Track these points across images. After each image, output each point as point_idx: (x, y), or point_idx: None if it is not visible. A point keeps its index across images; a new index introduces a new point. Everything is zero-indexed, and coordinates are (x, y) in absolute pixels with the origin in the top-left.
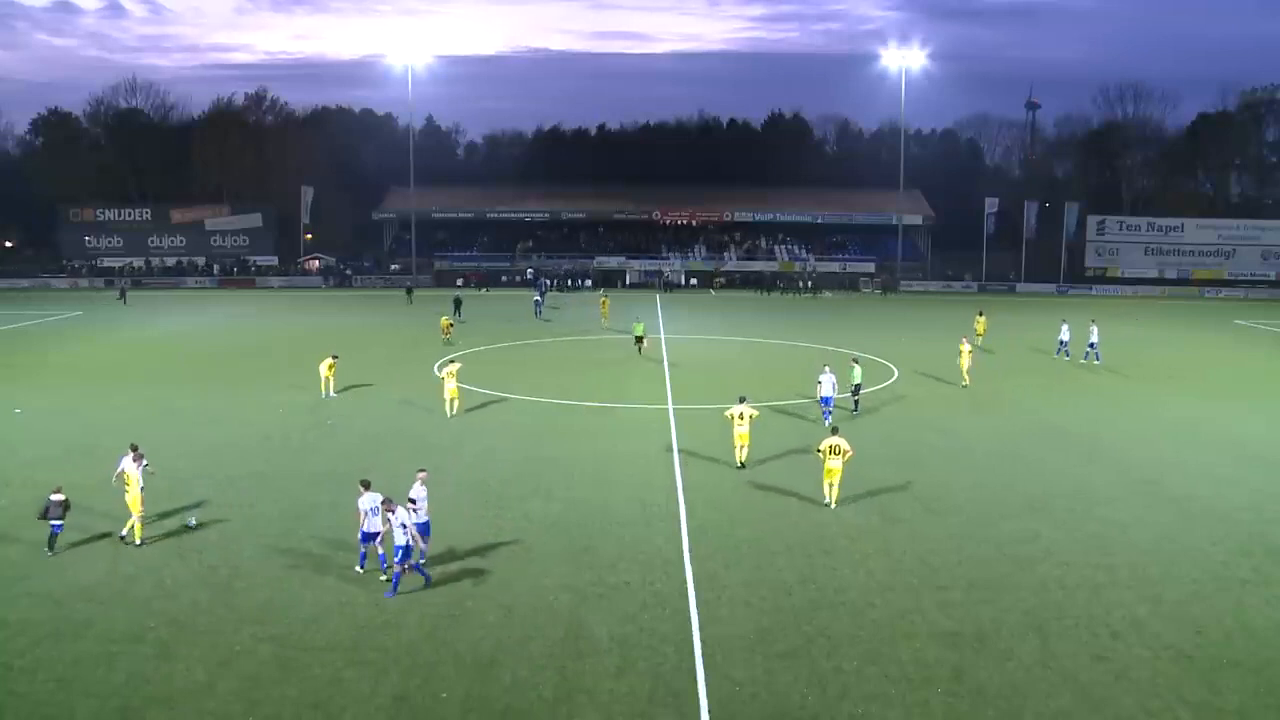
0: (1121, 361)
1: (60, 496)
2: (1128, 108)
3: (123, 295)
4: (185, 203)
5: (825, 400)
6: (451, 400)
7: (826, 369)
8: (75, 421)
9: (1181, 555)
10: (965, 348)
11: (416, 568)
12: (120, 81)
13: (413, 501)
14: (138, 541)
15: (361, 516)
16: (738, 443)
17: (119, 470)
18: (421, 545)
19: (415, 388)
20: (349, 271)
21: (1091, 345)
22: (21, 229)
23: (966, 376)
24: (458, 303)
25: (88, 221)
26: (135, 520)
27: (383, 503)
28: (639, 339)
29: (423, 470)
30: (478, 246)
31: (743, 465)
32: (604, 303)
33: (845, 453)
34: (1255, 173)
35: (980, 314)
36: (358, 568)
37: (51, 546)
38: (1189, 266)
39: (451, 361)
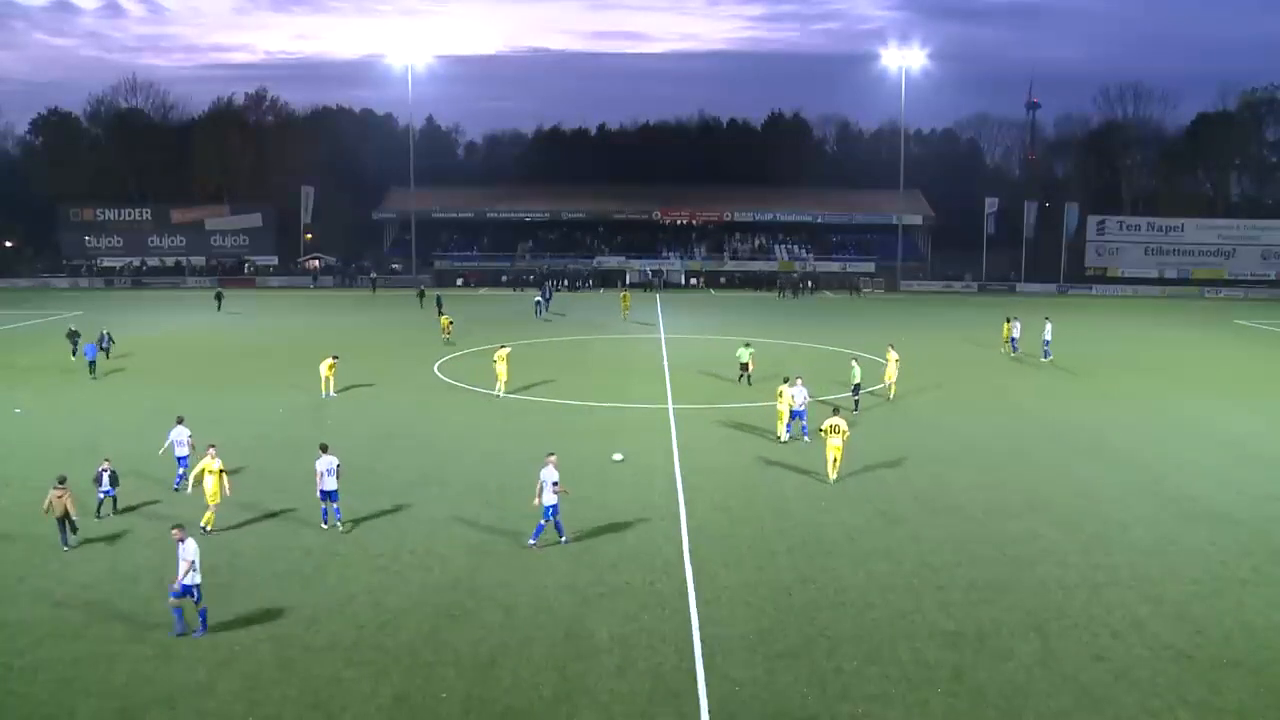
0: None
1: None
2: (1128, 108)
3: (219, 300)
4: (185, 203)
5: (797, 414)
6: (502, 382)
7: (799, 381)
8: (75, 421)
9: (1181, 555)
10: (893, 356)
11: (202, 615)
12: (120, 81)
13: (555, 483)
14: (208, 528)
15: (318, 477)
16: (782, 419)
17: (168, 444)
18: (196, 581)
19: (419, 386)
20: (374, 275)
21: (1045, 342)
22: (21, 229)
23: (893, 388)
24: (439, 301)
25: (88, 221)
26: (211, 510)
27: (173, 528)
28: (744, 366)
29: (552, 454)
30: (478, 246)
31: (779, 438)
32: (625, 298)
33: (843, 432)
34: (1255, 173)
35: (1008, 320)
36: (322, 524)
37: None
38: (1189, 266)
39: (502, 347)
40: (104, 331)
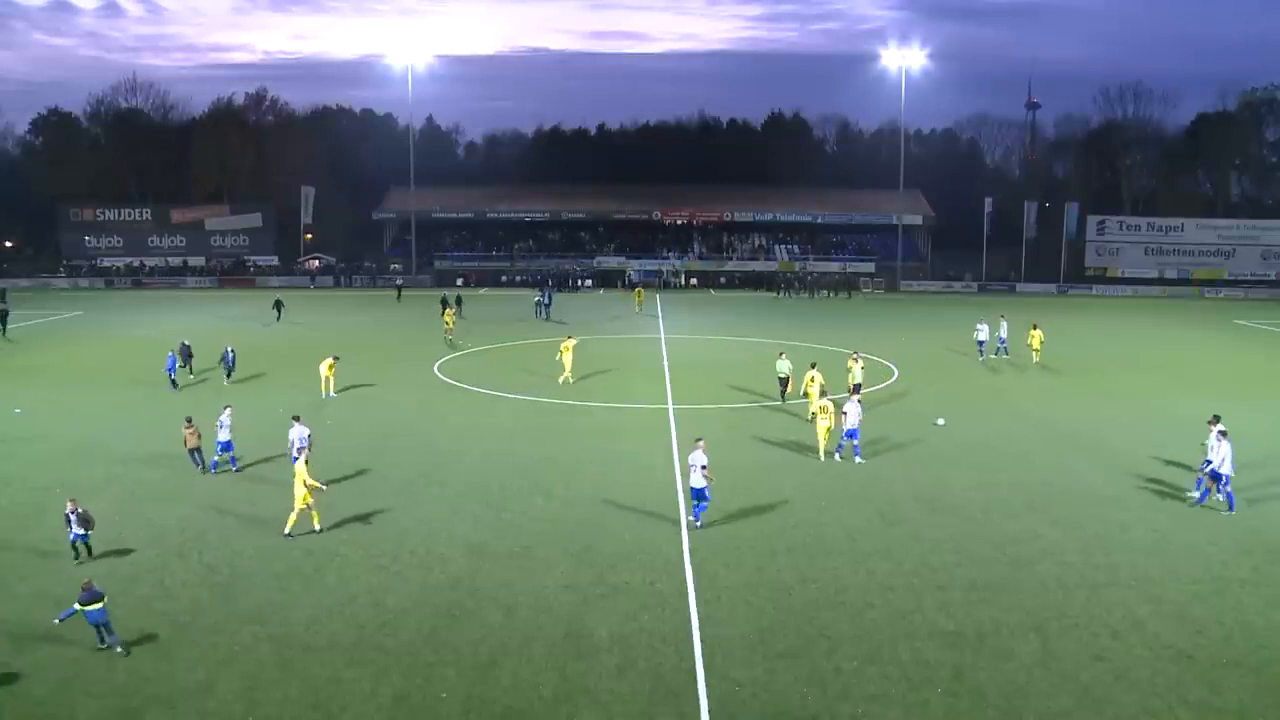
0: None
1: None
2: (1128, 108)
3: (277, 309)
4: (185, 203)
5: (851, 434)
6: (567, 370)
7: (854, 398)
8: (75, 421)
9: (1181, 555)
10: (857, 364)
11: None
12: (120, 81)
13: (704, 467)
14: (316, 528)
15: (291, 445)
16: (814, 399)
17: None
18: None
19: (419, 386)
20: (400, 282)
21: (1001, 340)
22: (21, 229)
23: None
24: (449, 301)
25: (88, 221)
26: (307, 510)
27: None
28: (784, 381)
29: (700, 439)
30: (478, 246)
31: (812, 417)
32: (639, 293)
33: (831, 413)
34: (1255, 173)
35: (1035, 326)
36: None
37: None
38: (1189, 266)
39: (569, 337)
40: (229, 348)
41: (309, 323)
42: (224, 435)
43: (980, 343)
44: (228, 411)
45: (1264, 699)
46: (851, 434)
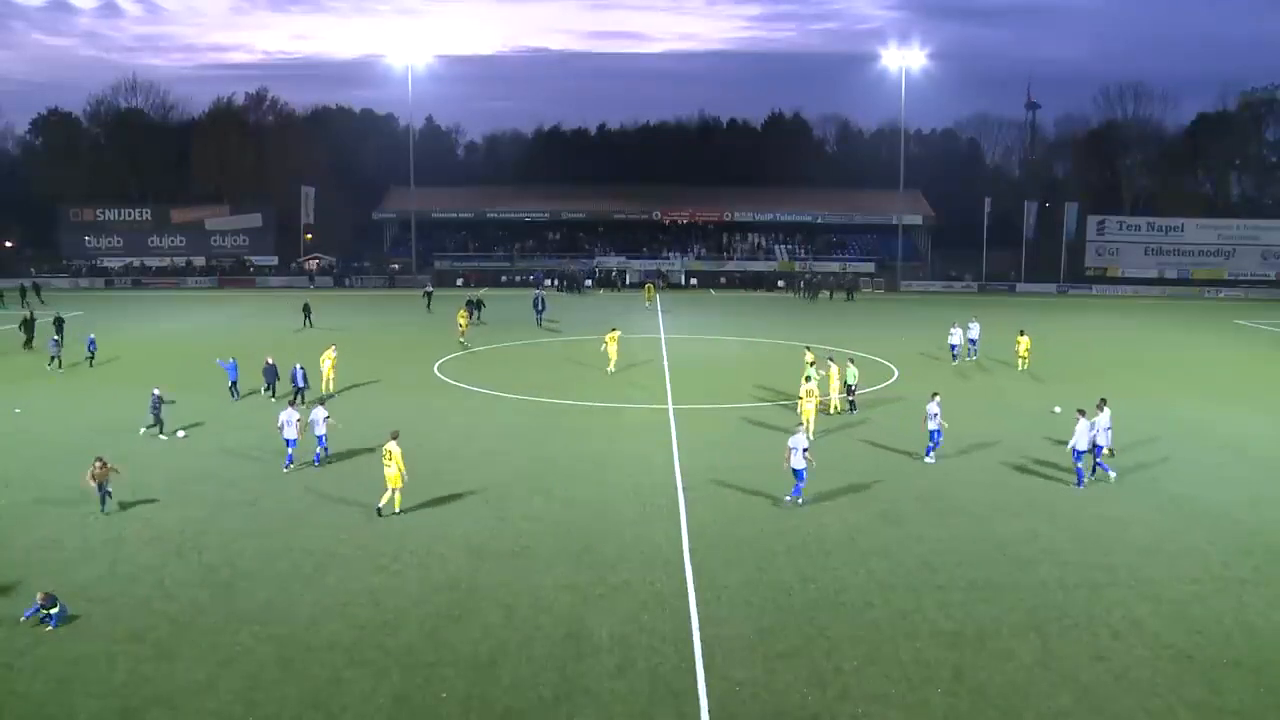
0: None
1: None
2: (1128, 108)
3: (306, 314)
4: (185, 203)
5: (935, 435)
6: (612, 360)
7: (936, 398)
8: (75, 421)
9: (1181, 555)
10: (834, 369)
11: None
12: (120, 81)
13: (805, 450)
14: (397, 510)
15: (280, 427)
16: (834, 390)
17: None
18: None
19: (419, 386)
20: (429, 289)
21: (972, 341)
22: (21, 229)
23: (837, 405)
24: (473, 302)
25: (88, 221)
26: (395, 493)
27: None
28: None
29: (801, 424)
30: (478, 246)
31: (837, 410)
32: (649, 288)
33: (817, 397)
34: (1255, 173)
35: (1022, 333)
36: (284, 468)
37: None
38: (1189, 266)
39: (613, 329)
40: (298, 367)
41: (340, 327)
42: (320, 430)
43: (953, 346)
44: (319, 409)
45: (1264, 699)
46: (936, 435)
